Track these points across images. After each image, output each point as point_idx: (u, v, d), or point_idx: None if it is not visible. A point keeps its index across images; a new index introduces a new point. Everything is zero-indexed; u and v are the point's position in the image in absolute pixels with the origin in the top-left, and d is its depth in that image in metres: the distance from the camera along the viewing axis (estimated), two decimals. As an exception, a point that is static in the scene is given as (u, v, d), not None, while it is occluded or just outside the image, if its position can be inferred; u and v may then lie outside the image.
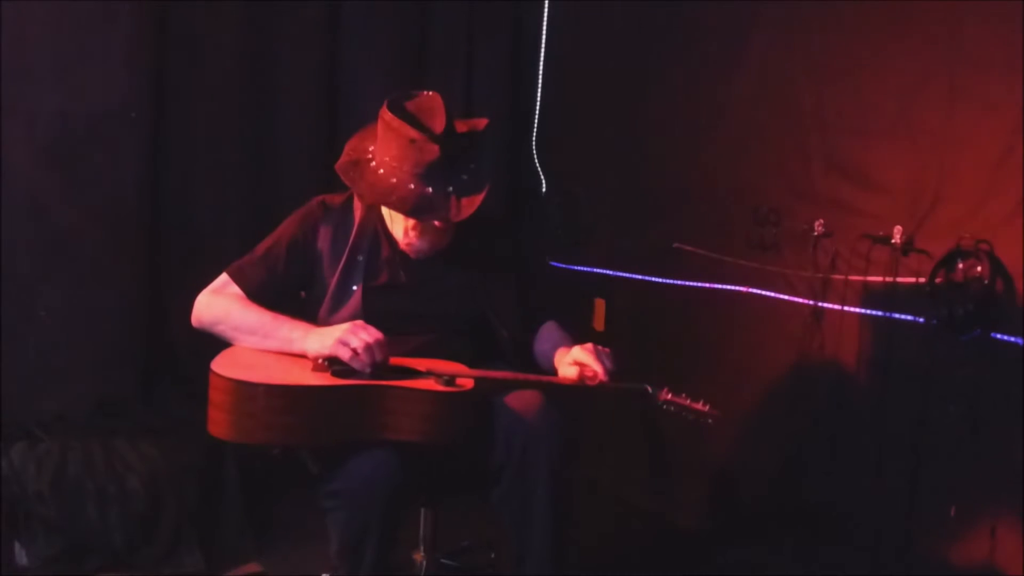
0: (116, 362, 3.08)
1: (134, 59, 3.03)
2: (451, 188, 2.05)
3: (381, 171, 2.07)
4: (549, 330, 2.29)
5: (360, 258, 2.19)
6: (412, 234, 2.15)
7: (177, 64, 3.15)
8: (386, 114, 2.06)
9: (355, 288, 2.16)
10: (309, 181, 3.35)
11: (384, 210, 2.20)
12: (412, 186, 2.03)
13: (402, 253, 2.20)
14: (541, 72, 3.82)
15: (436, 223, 2.11)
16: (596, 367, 2.04)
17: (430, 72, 3.71)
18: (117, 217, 3.06)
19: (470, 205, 2.06)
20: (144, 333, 3.14)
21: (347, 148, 2.18)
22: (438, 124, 2.05)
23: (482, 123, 2.15)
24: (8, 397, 2.83)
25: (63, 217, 2.98)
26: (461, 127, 2.10)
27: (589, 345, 2.09)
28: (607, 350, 2.09)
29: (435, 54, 3.73)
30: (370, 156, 2.12)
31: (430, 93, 2.13)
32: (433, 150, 2.02)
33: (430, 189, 2.04)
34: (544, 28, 3.79)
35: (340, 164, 2.14)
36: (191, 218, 3.23)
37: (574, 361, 2.07)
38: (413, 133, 2.03)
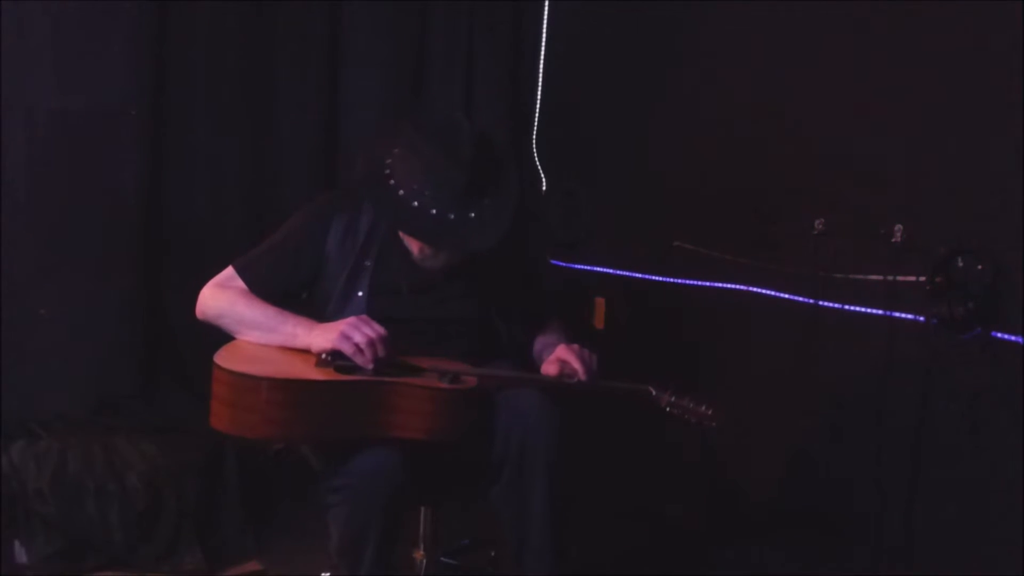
0: (116, 360, 3.09)
1: (134, 58, 3.04)
2: (474, 214, 2.02)
3: (401, 192, 2.03)
4: (549, 331, 2.29)
5: (367, 263, 2.17)
6: (427, 251, 2.12)
7: (177, 63, 3.16)
8: (410, 135, 2.04)
9: (360, 294, 2.15)
10: (309, 180, 3.36)
11: None
12: (435, 211, 2.00)
13: (410, 260, 2.16)
14: (541, 72, 3.82)
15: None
16: (577, 366, 2.04)
17: (430, 72, 3.72)
18: (117, 216, 3.06)
19: (496, 232, 2.03)
20: (144, 332, 3.14)
21: (362, 163, 2.13)
22: (465, 150, 2.02)
23: (496, 140, 2.12)
24: (8, 396, 2.83)
25: (63, 217, 2.98)
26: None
27: (575, 346, 2.09)
28: (595, 355, 2.09)
29: (435, 54, 3.73)
30: (388, 173, 2.07)
31: (455, 114, 2.10)
32: (459, 177, 2.00)
33: (452, 215, 2.01)
34: (544, 28, 3.78)
35: (359, 183, 2.11)
36: (191, 217, 3.24)
37: (556, 358, 2.08)
38: (438, 158, 2.00)
